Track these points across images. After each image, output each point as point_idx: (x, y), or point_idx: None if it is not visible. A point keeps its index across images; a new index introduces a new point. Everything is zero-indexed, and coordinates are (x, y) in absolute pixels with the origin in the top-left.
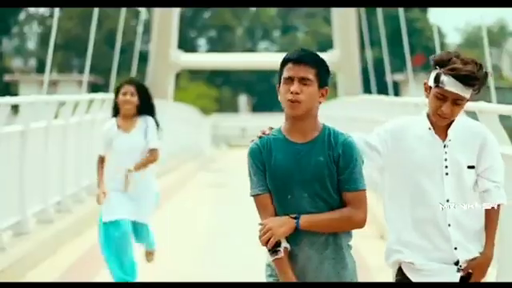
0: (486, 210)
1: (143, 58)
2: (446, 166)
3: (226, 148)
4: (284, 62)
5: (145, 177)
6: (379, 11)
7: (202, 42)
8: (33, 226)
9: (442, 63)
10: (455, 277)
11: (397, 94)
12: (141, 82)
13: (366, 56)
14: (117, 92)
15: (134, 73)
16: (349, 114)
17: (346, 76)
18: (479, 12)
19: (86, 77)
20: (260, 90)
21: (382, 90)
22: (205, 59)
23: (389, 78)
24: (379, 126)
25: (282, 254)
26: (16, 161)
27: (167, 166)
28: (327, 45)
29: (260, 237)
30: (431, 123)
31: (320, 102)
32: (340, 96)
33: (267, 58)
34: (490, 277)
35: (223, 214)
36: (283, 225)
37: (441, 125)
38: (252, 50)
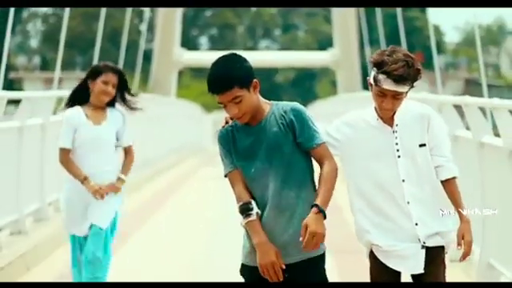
0: (444, 184)
1: (146, 56)
2: (398, 150)
3: None
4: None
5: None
6: (378, 10)
7: (203, 41)
8: (29, 225)
9: (377, 64)
10: (421, 254)
11: None
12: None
13: (365, 54)
14: (93, 76)
15: (138, 71)
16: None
17: (345, 74)
18: (474, 11)
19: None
20: (261, 88)
21: None
22: (207, 57)
23: None
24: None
25: (254, 216)
26: (13, 158)
27: (170, 161)
28: (327, 43)
29: (307, 243)
30: (378, 114)
31: (257, 94)
32: (339, 93)
33: (268, 57)
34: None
35: (230, 202)
36: (319, 223)
37: (386, 117)
38: (253, 48)
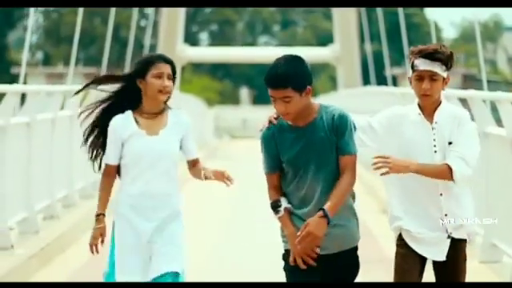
0: (443, 164)
1: (146, 51)
2: (435, 145)
3: (228, 139)
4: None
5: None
6: None
7: (204, 36)
8: (40, 223)
9: (413, 53)
10: (446, 243)
11: (395, 87)
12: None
13: (365, 49)
14: (141, 73)
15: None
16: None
17: (345, 69)
18: (473, 8)
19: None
20: (260, 83)
21: (381, 83)
22: (209, 53)
23: (388, 71)
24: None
25: (282, 212)
26: (23, 154)
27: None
28: (326, 39)
29: (302, 239)
30: (420, 109)
31: (309, 99)
32: (339, 89)
33: (267, 52)
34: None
35: (241, 193)
36: (319, 226)
37: (427, 104)
38: (252, 44)
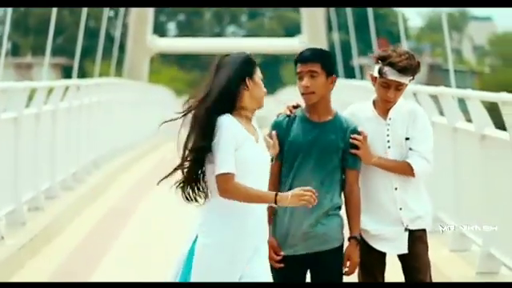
0: (402, 161)
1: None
2: (388, 141)
3: None
4: (295, 63)
5: None
6: None
7: (171, 27)
8: (26, 215)
9: (382, 58)
10: (404, 236)
11: (362, 77)
12: None
13: (332, 40)
14: (251, 72)
15: (114, 58)
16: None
17: None
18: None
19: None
20: None
21: (349, 73)
22: (178, 44)
23: (355, 61)
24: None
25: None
26: (10, 148)
27: (149, 146)
28: (293, 30)
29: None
30: (375, 107)
31: (331, 89)
32: None
33: (235, 43)
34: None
35: None
36: (357, 253)
37: (387, 108)
38: (220, 34)
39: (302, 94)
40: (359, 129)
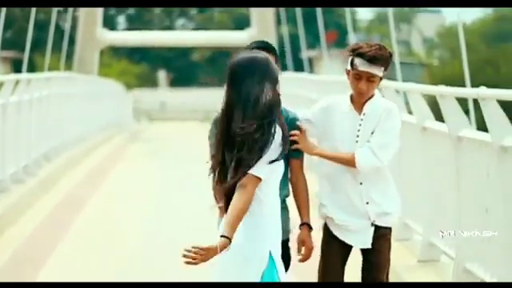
0: (347, 153)
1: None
2: (358, 135)
3: (147, 122)
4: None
5: None
6: None
7: (121, 20)
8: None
9: (354, 50)
10: (370, 230)
11: (311, 70)
12: None
13: (281, 33)
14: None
15: (64, 51)
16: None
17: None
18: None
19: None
20: (178, 66)
21: (298, 65)
22: (128, 37)
23: (304, 54)
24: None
25: None
26: None
27: (98, 140)
28: (242, 23)
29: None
30: (352, 101)
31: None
32: None
33: (185, 36)
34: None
35: (168, 175)
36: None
37: (361, 101)
38: (169, 27)
39: None
40: (298, 123)
